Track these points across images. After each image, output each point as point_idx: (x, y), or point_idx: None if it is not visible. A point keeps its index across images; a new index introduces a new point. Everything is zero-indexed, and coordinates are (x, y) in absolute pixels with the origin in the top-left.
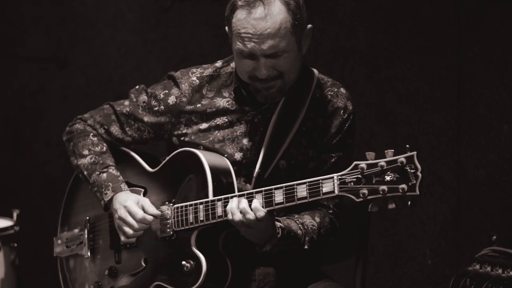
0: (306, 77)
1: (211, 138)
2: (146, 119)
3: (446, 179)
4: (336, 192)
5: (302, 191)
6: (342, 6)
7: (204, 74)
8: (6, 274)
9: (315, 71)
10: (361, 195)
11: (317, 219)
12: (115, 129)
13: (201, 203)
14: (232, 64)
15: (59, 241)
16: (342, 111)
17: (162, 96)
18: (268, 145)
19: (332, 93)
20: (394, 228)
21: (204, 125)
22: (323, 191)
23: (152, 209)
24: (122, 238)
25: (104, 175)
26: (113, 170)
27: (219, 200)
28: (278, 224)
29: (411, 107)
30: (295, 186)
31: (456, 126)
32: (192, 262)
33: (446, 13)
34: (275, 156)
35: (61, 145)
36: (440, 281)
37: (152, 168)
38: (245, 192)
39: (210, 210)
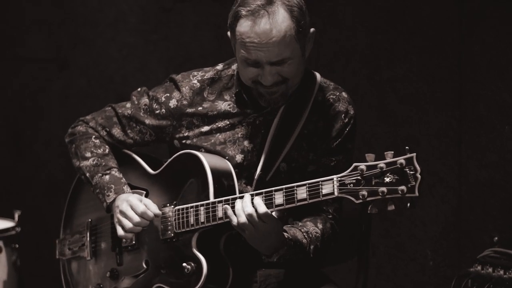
0: (308, 81)
1: (212, 141)
2: (147, 121)
3: (447, 180)
4: (336, 193)
5: (302, 192)
6: (343, 7)
7: (205, 77)
8: (7, 275)
9: (317, 74)
10: (360, 197)
11: (320, 226)
12: (117, 131)
13: (202, 205)
14: (233, 67)
15: (61, 244)
16: (343, 115)
17: (163, 99)
18: (269, 147)
19: (334, 97)
20: (395, 229)
21: (205, 128)
22: (323, 193)
23: (154, 208)
24: (120, 231)
25: (107, 177)
26: (115, 172)
27: (219, 202)
28: (285, 234)
29: (412, 108)
30: (295, 187)
31: (457, 126)
32: (193, 264)
33: (446, 13)
34: (276, 158)
35: (62, 145)
36: (441, 282)
37: (154, 170)
38: (246, 194)
39: (210, 212)
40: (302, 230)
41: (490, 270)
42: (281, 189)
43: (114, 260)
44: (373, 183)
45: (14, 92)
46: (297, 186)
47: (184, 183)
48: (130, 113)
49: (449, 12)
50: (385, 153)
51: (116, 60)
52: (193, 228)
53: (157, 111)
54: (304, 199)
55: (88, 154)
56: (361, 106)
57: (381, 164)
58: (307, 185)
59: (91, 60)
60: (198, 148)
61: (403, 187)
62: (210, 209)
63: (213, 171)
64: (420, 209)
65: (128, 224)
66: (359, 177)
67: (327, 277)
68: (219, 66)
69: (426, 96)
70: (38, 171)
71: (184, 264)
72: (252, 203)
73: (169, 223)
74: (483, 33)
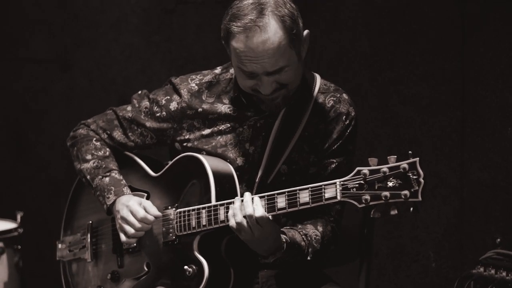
0: (309, 83)
1: (213, 144)
2: (148, 124)
3: (450, 181)
4: (339, 198)
5: (304, 196)
6: (345, 10)
7: (204, 80)
8: (9, 276)
9: (318, 76)
10: (363, 201)
11: (320, 228)
12: (118, 134)
13: (203, 208)
14: (232, 71)
15: (62, 245)
16: (344, 116)
17: (163, 102)
18: (271, 150)
19: (335, 98)
20: (397, 230)
21: (206, 131)
22: (326, 197)
23: (154, 210)
24: (123, 237)
25: (107, 179)
26: (115, 174)
27: (221, 205)
28: (283, 237)
29: (414, 110)
30: (298, 191)
31: (460, 128)
32: (194, 267)
33: (449, 16)
34: (278, 161)
35: (64, 147)
36: (444, 284)
37: (155, 172)
38: (249, 193)
39: (212, 215)
40: (301, 232)
41: (493, 271)
42: (283, 193)
43: (115, 262)
44: (376, 187)
45: (17, 93)
46: (300, 190)
47: (186, 186)
48: (131, 116)
49: (451, 14)
50: (388, 157)
51: (118, 61)
52: (194, 231)
53: (158, 114)
54: (307, 203)
55: (89, 157)
56: (363, 108)
57: (384, 168)
58: (310, 189)
59: (94, 62)
60: (199, 151)
61: (406, 192)
62: (212, 212)
63: (215, 173)
64: (422, 210)
65: (130, 230)
66: (362, 181)
67: (328, 278)
68: (218, 70)
69: (428, 97)
70: (40, 172)
71: (186, 267)
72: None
73: (171, 226)
74: (485, 35)
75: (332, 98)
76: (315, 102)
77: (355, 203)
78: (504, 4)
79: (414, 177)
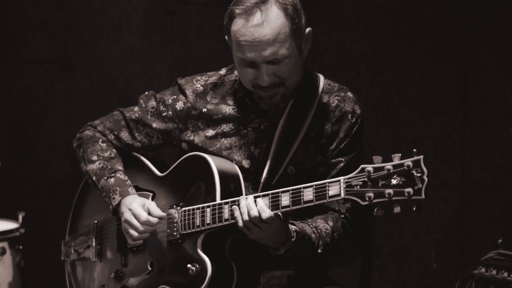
0: (312, 83)
1: (218, 146)
2: (154, 125)
3: (451, 182)
4: (342, 195)
5: (308, 194)
6: (346, 10)
7: (208, 81)
8: (11, 276)
9: (321, 76)
10: (367, 199)
11: (330, 223)
12: (125, 135)
13: (208, 207)
14: (236, 72)
15: (67, 245)
16: (350, 115)
17: (170, 101)
18: (275, 151)
19: (339, 97)
20: (399, 231)
21: (211, 132)
22: (329, 194)
23: (157, 211)
24: (129, 241)
25: (112, 180)
26: (120, 175)
27: (226, 203)
28: (292, 227)
29: (416, 110)
30: (302, 189)
31: (461, 129)
32: (197, 266)
33: (451, 16)
34: (282, 162)
35: (65, 147)
36: (445, 285)
37: (161, 172)
38: (252, 195)
39: (217, 213)
40: (311, 225)
41: (494, 272)
42: (288, 191)
43: (119, 261)
44: (380, 185)
45: (18, 94)
46: (304, 187)
47: (191, 185)
48: (137, 116)
49: (453, 15)
50: (393, 155)
51: (120, 62)
52: (198, 229)
53: (164, 114)
54: (311, 201)
55: (95, 158)
56: (365, 108)
57: (388, 166)
58: (314, 187)
59: (95, 62)
60: (205, 152)
61: (409, 189)
62: (217, 210)
63: (221, 173)
64: (423, 211)
65: (134, 234)
66: (366, 179)
67: (331, 280)
68: (222, 71)
69: (430, 98)
70: (42, 172)
71: (189, 266)
72: (256, 205)
73: (175, 225)
74: (487, 36)
75: (336, 97)
76: (319, 103)
77: (359, 200)
78: (506, 5)
79: (418, 174)
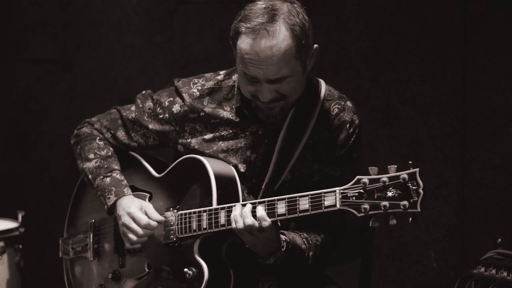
0: (314, 89)
1: (214, 148)
2: (151, 126)
3: (451, 182)
4: (338, 206)
5: (304, 203)
6: (346, 10)
7: (206, 86)
8: (11, 276)
9: (322, 83)
10: (362, 210)
11: (322, 234)
12: (121, 134)
13: (204, 211)
14: (234, 77)
15: (65, 243)
16: (348, 125)
17: (167, 104)
18: (277, 158)
19: (339, 106)
20: (398, 231)
21: (208, 135)
22: (325, 205)
23: (156, 215)
24: (127, 244)
25: (108, 179)
26: (117, 174)
27: (222, 208)
28: (283, 237)
29: (416, 110)
30: (298, 198)
31: (461, 129)
32: (194, 270)
33: (451, 16)
34: (284, 169)
35: (65, 147)
36: (445, 284)
37: (159, 173)
38: (248, 202)
39: (213, 218)
40: (302, 236)
41: (494, 271)
42: (284, 199)
43: (116, 261)
44: (376, 197)
45: (19, 93)
46: (300, 196)
47: (188, 188)
48: (134, 116)
49: (453, 15)
50: (388, 167)
51: (120, 62)
52: (195, 233)
53: (161, 116)
54: (306, 210)
55: (91, 156)
56: (364, 108)
57: (384, 178)
58: (310, 196)
59: (95, 62)
60: (202, 155)
61: (405, 202)
62: (213, 216)
63: (217, 177)
64: (423, 211)
65: (133, 238)
66: (361, 190)
67: (329, 279)
68: (220, 76)
69: (430, 98)
70: (41, 172)
71: (186, 270)
72: (254, 212)
73: (172, 228)
74: (487, 36)
75: (337, 105)
76: (320, 110)
77: (355, 212)
78: (506, 5)
79: (414, 187)
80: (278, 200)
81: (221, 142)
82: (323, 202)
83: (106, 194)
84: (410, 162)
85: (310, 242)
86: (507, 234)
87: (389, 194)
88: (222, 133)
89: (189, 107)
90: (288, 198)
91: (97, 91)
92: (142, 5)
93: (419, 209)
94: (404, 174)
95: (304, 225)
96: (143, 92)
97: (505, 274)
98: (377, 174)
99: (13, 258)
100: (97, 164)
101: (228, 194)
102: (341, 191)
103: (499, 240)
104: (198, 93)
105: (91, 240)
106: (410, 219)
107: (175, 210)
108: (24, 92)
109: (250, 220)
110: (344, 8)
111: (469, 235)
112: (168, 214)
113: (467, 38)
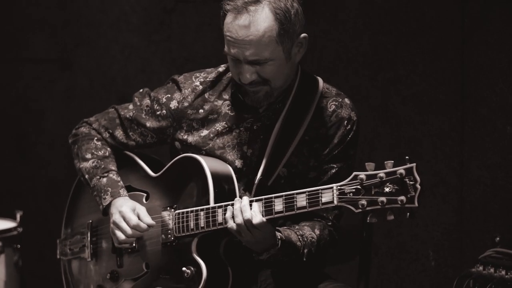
0: (311, 86)
1: (211, 145)
2: (148, 124)
3: (449, 180)
4: (335, 202)
5: (301, 200)
6: (345, 9)
7: (208, 79)
8: (9, 276)
9: (320, 80)
10: (360, 206)
11: (317, 231)
12: (119, 133)
13: (202, 210)
14: None
15: (62, 244)
16: (346, 121)
17: (164, 100)
18: (271, 153)
19: (336, 103)
20: (397, 229)
21: (204, 132)
22: (322, 201)
23: (147, 219)
24: (115, 243)
25: (104, 179)
26: (113, 175)
27: (219, 207)
28: (278, 234)
29: (414, 109)
30: (295, 195)
31: (460, 127)
32: (192, 268)
33: (450, 15)
34: (278, 164)
35: (64, 146)
36: (443, 283)
37: (155, 172)
38: (247, 198)
39: (210, 217)
40: (298, 233)
41: (492, 270)
42: (281, 196)
43: (114, 261)
44: (373, 192)
45: (17, 93)
46: (297, 193)
47: (185, 187)
48: (132, 115)
49: (453, 14)
50: (385, 162)
51: (118, 61)
52: (193, 232)
53: (158, 112)
54: (304, 207)
55: (89, 156)
56: (363, 107)
57: (381, 173)
58: (307, 193)
59: (94, 61)
60: (198, 151)
61: (402, 197)
62: (210, 214)
63: (214, 175)
64: (422, 209)
65: (121, 236)
66: (358, 186)
67: (327, 275)
68: (221, 68)
69: (428, 97)
70: (40, 171)
71: (184, 269)
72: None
73: (169, 227)
74: (486, 35)
75: (334, 102)
76: (317, 106)
77: (352, 208)
78: (504, 4)
79: (411, 182)
80: (275, 197)
81: (217, 139)
82: (320, 198)
83: (102, 194)
84: (407, 157)
85: (306, 239)
86: (506, 233)
87: (386, 189)
88: (218, 129)
89: (189, 102)
90: (285, 195)
91: (95, 90)
92: (141, 4)
93: (416, 204)
94: (401, 170)
95: (300, 220)
96: (141, 90)
97: (503, 272)
98: (374, 170)
99: (11, 258)
100: (94, 164)
101: (225, 192)
102: (338, 187)
103: (498, 238)
104: (200, 86)
105: (89, 240)
106: (408, 214)
107: (172, 210)
108: (23, 92)
109: (248, 214)
110: (344, 7)
111: (467, 233)
112: (165, 214)
113: (466, 37)
